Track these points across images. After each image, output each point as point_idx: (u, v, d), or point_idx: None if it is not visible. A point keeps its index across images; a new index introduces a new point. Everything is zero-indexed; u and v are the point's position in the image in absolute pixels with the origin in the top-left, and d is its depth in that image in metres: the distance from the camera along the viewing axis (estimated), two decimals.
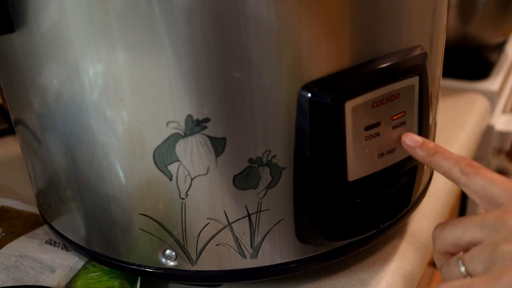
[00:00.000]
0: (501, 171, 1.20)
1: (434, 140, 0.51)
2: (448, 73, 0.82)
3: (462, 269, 0.35)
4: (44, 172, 0.46)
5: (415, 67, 0.41)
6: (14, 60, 0.41)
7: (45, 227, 0.52)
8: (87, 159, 0.41)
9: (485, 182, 0.37)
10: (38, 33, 0.38)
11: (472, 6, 0.79)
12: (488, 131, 0.81)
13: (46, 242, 0.50)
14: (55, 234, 0.49)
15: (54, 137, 0.42)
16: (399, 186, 0.44)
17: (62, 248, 0.50)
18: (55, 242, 0.50)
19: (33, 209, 0.56)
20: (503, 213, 0.35)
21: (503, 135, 0.81)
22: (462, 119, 0.74)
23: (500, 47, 0.91)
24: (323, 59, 0.37)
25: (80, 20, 0.35)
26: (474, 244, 0.35)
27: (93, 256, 0.46)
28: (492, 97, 0.80)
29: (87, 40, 0.36)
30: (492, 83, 0.81)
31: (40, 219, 0.53)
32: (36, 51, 0.39)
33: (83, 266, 0.48)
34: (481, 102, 0.79)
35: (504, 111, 0.85)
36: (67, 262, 0.48)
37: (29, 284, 0.45)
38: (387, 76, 0.39)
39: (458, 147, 0.68)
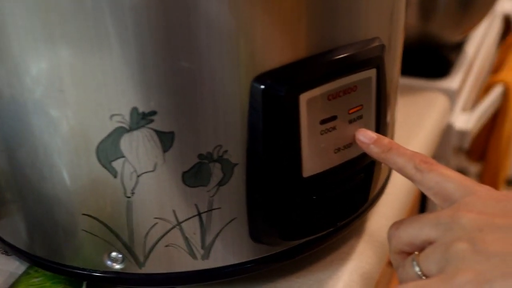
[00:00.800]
0: (461, 171, 1.22)
1: (393, 138, 0.50)
2: (408, 71, 0.82)
3: (417, 269, 0.34)
4: None
5: (372, 59, 0.40)
6: None
7: None
8: (28, 160, 0.38)
9: (440, 179, 0.36)
10: None
11: (433, 5, 0.78)
12: (447, 130, 0.80)
13: None
14: None
15: None
16: (356, 183, 0.43)
17: (2, 253, 0.47)
18: None
19: None
20: (457, 210, 0.34)
21: (462, 134, 0.81)
22: (421, 117, 0.73)
23: (459, 46, 0.92)
24: (277, 49, 0.36)
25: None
26: (429, 243, 0.34)
27: (35, 261, 0.44)
28: (452, 96, 0.80)
29: (25, 29, 0.33)
30: (452, 82, 0.81)
31: None
32: None
33: (25, 271, 0.45)
34: (441, 101, 0.78)
35: (464, 109, 0.85)
36: (6, 268, 0.45)
37: None
38: (344, 68, 0.38)
39: (418, 145, 0.67)
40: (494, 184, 1.02)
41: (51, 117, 0.36)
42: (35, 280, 0.44)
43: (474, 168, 1.31)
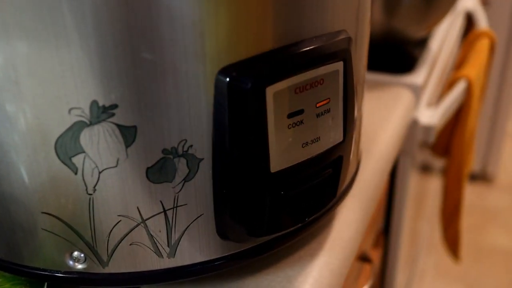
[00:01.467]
0: (426, 167, 1.23)
1: (360, 132, 0.49)
2: (373, 66, 0.82)
3: None
4: None
5: (339, 52, 0.39)
6: None
7: None
8: None
9: None
10: None
11: (397, 1, 0.79)
12: (413, 125, 0.81)
13: None
14: None
15: None
16: (325, 177, 0.42)
17: None
18: None
19: None
20: None
21: (427, 129, 0.81)
22: (387, 112, 0.73)
23: (423, 42, 0.92)
24: (242, 41, 0.35)
25: None
26: None
27: None
28: (417, 91, 0.80)
29: None
30: (417, 77, 0.82)
31: None
32: None
33: None
34: (405, 96, 0.79)
35: (428, 105, 0.86)
36: None
37: None
38: (311, 60, 0.37)
39: (384, 140, 0.67)
40: (458, 179, 1.04)
41: (6, 112, 0.34)
42: None
43: (439, 163, 1.32)
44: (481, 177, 2.10)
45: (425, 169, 1.20)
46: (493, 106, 1.91)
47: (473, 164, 1.13)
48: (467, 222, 1.93)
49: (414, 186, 0.94)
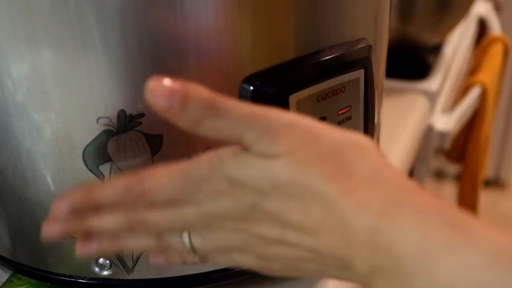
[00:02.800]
0: (441, 173, 1.23)
1: (378, 139, 0.50)
2: (388, 73, 0.82)
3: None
4: None
5: (360, 60, 0.40)
6: None
7: None
8: (10, 164, 0.37)
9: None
10: None
11: (411, 7, 0.79)
12: (428, 131, 0.81)
13: None
14: None
15: None
16: None
17: None
18: None
19: None
20: None
21: (442, 134, 0.81)
22: (403, 118, 0.74)
23: (438, 48, 0.93)
24: (266, 51, 0.35)
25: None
26: None
27: (18, 268, 0.42)
28: (432, 97, 0.80)
29: (6, 29, 0.32)
30: (431, 83, 0.82)
31: None
32: None
33: (8, 280, 0.44)
34: (420, 102, 0.79)
35: (443, 111, 0.86)
36: None
37: None
38: (332, 69, 0.38)
39: (400, 146, 0.67)
40: (473, 185, 1.04)
41: (34, 120, 0.35)
42: None
43: (453, 169, 1.32)
44: (495, 182, 2.09)
45: (440, 175, 1.21)
46: (507, 111, 1.90)
47: (487, 169, 1.13)
48: None
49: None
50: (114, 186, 0.30)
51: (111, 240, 0.32)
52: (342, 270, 0.29)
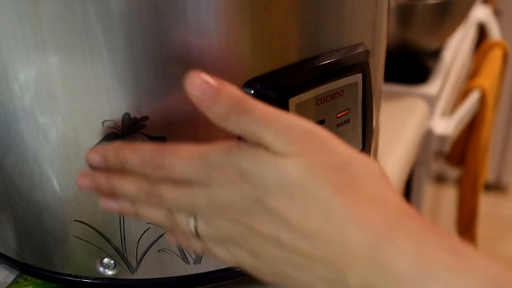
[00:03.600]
0: (441, 177, 1.23)
1: (377, 142, 0.51)
2: (387, 77, 0.83)
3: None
4: None
5: (358, 64, 0.41)
6: None
7: None
8: (17, 167, 0.38)
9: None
10: None
11: (411, 13, 0.80)
12: (427, 135, 0.82)
13: None
14: None
15: None
16: None
17: None
18: None
19: None
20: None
21: (442, 138, 0.82)
22: (402, 122, 0.74)
23: (437, 53, 0.94)
24: (266, 55, 0.36)
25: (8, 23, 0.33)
26: None
27: (24, 269, 0.43)
28: (431, 101, 0.81)
29: (14, 34, 0.34)
30: (431, 87, 0.83)
31: None
32: None
33: (14, 280, 0.45)
34: (420, 106, 0.80)
35: (443, 115, 0.87)
36: None
37: None
38: (331, 73, 0.39)
39: (400, 150, 0.68)
40: (473, 189, 1.04)
41: (41, 124, 0.36)
42: None
43: (453, 172, 1.33)
44: (496, 186, 2.09)
45: (440, 179, 1.21)
46: (507, 116, 1.91)
47: (487, 173, 1.14)
48: (482, 232, 1.92)
49: (429, 196, 0.95)
50: (141, 150, 0.32)
51: (130, 204, 0.34)
52: (331, 284, 0.29)
